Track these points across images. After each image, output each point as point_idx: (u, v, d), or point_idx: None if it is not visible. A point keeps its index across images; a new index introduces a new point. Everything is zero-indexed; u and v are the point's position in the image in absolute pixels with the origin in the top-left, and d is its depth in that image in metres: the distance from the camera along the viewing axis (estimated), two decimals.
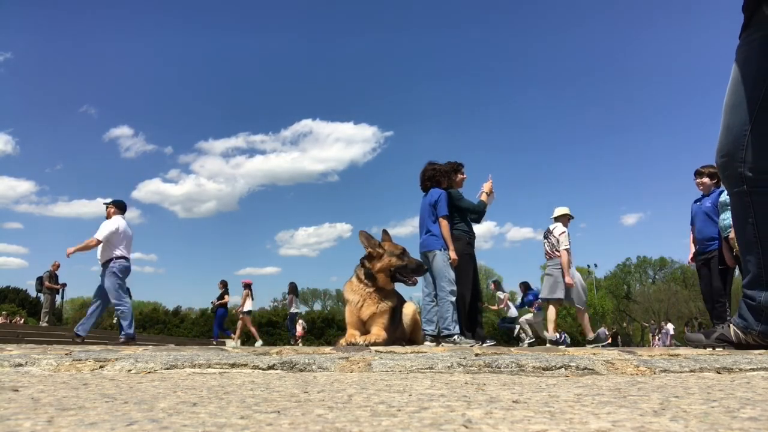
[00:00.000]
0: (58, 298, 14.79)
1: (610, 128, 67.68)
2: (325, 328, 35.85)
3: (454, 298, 4.25)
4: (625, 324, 42.67)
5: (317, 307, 56.90)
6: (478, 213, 4.77)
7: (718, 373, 1.22)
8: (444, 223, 4.43)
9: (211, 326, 16.00)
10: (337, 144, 68.34)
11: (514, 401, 0.80)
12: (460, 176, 4.94)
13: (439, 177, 4.68)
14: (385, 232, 3.11)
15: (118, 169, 69.05)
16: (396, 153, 72.26)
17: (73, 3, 71.00)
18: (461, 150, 72.99)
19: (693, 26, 64.04)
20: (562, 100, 71.08)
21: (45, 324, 13.53)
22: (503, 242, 67.12)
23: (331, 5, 76.43)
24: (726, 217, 4.72)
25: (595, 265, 39.77)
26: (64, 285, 14.06)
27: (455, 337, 4.13)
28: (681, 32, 64.38)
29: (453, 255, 4.37)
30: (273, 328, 36.98)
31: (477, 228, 4.93)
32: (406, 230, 63.11)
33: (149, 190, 66.17)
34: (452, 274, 4.32)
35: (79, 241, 6.53)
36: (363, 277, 2.93)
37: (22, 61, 67.51)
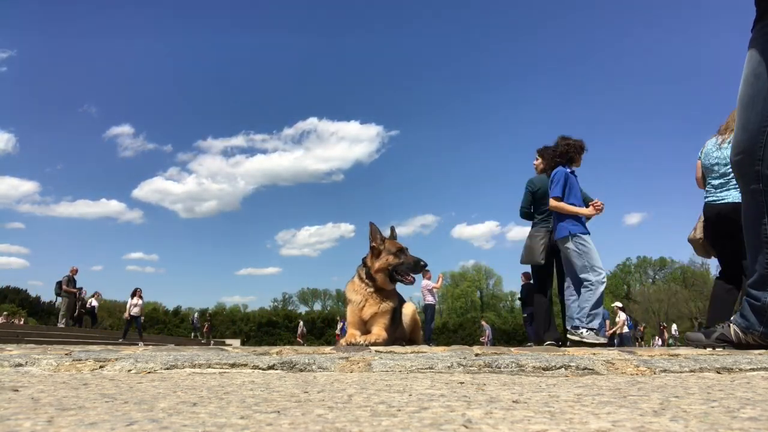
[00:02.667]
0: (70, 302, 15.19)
1: (614, 127, 67.71)
2: (325, 328, 35.88)
3: (597, 288, 4.03)
4: None
5: (317, 307, 56.95)
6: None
7: (718, 373, 1.22)
8: (553, 204, 4.20)
9: (210, 326, 16.16)
10: (342, 143, 68.16)
11: (514, 401, 0.80)
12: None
13: (573, 152, 4.35)
14: (392, 228, 3.09)
15: (119, 168, 69.03)
16: (401, 152, 72.21)
17: (74, 2, 71.00)
18: (465, 149, 73.00)
19: (694, 25, 64.11)
20: (565, 100, 71.03)
21: (62, 325, 13.86)
22: (504, 242, 67.10)
23: (339, 2, 76.35)
24: None
25: None
26: (81, 289, 14.50)
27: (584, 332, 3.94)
28: (682, 31, 64.45)
29: (589, 210, 4.20)
30: (273, 328, 37.03)
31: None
32: (408, 230, 63.20)
33: (151, 188, 66.15)
34: (587, 262, 4.07)
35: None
36: (364, 276, 2.93)
37: (24, 59, 67.46)
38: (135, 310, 14.02)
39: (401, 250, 2.92)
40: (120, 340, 13.04)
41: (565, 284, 4.31)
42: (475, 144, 72.41)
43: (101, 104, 71.54)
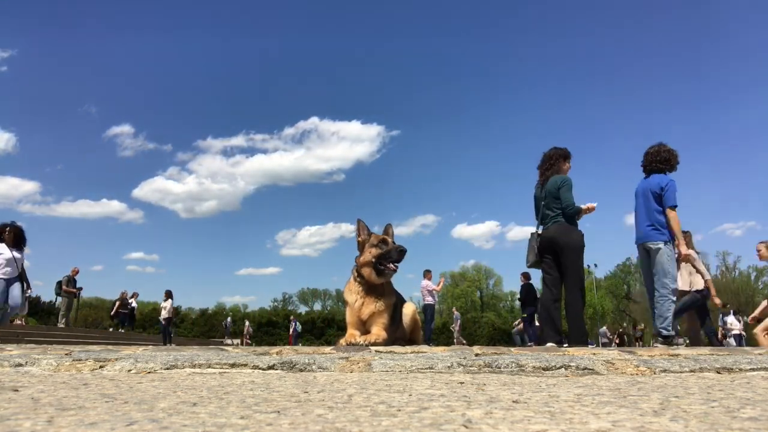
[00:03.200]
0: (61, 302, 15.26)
1: (613, 127, 67.63)
2: (325, 328, 35.87)
3: (674, 298, 4.14)
4: (625, 324, 42.67)
5: (317, 307, 56.92)
6: (568, 209, 4.41)
7: (718, 373, 1.22)
8: (674, 215, 4.23)
9: (211, 326, 16.20)
10: (343, 143, 67.92)
11: (514, 401, 0.80)
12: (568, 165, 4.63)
13: (674, 161, 4.40)
14: (387, 226, 3.07)
15: (119, 167, 68.89)
16: (402, 152, 72.07)
17: (74, 2, 70.97)
18: (466, 149, 72.94)
19: (694, 26, 64.13)
20: (565, 101, 70.90)
21: (62, 325, 13.90)
22: (504, 242, 67.07)
23: (340, 2, 76.27)
24: None
25: (595, 265, 39.65)
26: (80, 289, 14.59)
27: (673, 339, 4.02)
28: (682, 32, 64.53)
29: (683, 249, 4.29)
30: (273, 328, 37.01)
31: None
32: (408, 230, 63.11)
33: (151, 188, 66.02)
34: (675, 272, 4.19)
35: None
36: (357, 275, 2.92)
37: (24, 59, 67.32)
38: (164, 313, 14.06)
39: (383, 241, 2.89)
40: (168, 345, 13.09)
41: (655, 287, 4.34)
42: (476, 144, 72.27)
43: (101, 104, 71.30)
